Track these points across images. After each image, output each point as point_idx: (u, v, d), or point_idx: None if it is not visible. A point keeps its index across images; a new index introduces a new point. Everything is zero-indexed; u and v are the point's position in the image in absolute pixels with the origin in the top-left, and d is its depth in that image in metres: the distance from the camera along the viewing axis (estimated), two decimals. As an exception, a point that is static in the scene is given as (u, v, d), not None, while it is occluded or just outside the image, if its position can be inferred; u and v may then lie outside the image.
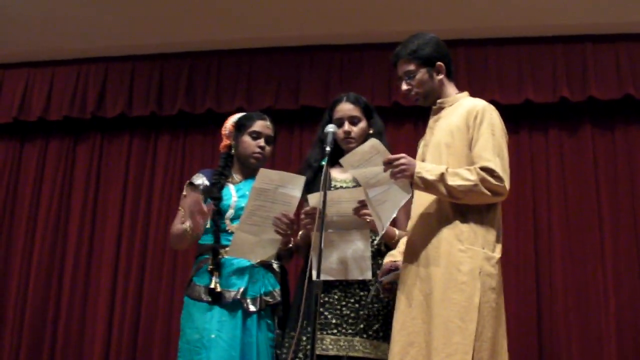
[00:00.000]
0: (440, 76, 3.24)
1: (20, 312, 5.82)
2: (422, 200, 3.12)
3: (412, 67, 3.22)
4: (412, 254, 3.09)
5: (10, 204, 6.14)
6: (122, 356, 5.55)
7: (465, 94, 3.31)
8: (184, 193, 3.74)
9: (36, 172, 6.17)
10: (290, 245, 3.63)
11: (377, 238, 3.39)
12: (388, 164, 2.97)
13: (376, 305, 3.35)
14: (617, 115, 5.44)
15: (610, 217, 5.26)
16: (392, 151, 3.05)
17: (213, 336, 3.41)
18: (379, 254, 3.43)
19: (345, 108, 3.56)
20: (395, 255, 3.29)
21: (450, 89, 3.29)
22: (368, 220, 3.21)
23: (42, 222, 6.02)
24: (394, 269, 3.22)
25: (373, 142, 3.08)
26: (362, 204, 3.20)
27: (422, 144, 3.32)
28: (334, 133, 3.30)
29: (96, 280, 5.82)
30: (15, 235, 6.06)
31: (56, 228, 6.00)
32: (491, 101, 3.26)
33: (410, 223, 3.20)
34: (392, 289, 3.21)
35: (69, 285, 5.82)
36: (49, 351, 5.70)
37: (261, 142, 3.73)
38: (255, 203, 3.35)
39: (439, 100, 3.26)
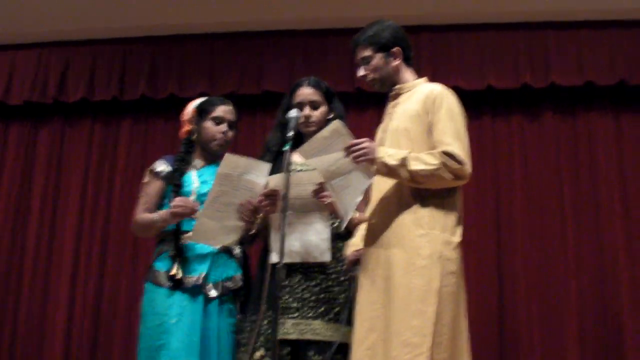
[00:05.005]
0: (397, 62, 3.25)
1: (-21, 298, 5.76)
2: (382, 185, 3.13)
3: (368, 52, 3.24)
4: (373, 239, 3.11)
5: (-30, 189, 6.05)
6: (84, 342, 5.51)
7: (424, 79, 3.32)
8: (145, 180, 3.72)
9: (-4, 157, 6.09)
10: (253, 231, 3.60)
11: (337, 221, 3.40)
12: (349, 149, 2.98)
13: (336, 288, 3.36)
14: (578, 101, 5.51)
15: (571, 201, 5.33)
16: (354, 137, 3.05)
17: (173, 321, 3.40)
18: (338, 236, 3.42)
19: (306, 92, 3.55)
20: (357, 244, 3.29)
21: (408, 74, 3.30)
22: (326, 202, 3.21)
23: (3, 207, 5.94)
24: (359, 258, 3.23)
25: (335, 125, 3.07)
26: (321, 187, 3.21)
27: (380, 129, 3.33)
28: (297, 118, 3.29)
29: (57, 264, 5.76)
30: (-25, 220, 5.99)
31: (17, 213, 5.92)
32: (454, 87, 3.29)
33: (370, 207, 3.20)
34: None
35: (30, 269, 5.76)
36: (10, 339, 5.64)
37: (223, 127, 3.71)
38: (220, 189, 3.33)
39: (396, 87, 3.28)
